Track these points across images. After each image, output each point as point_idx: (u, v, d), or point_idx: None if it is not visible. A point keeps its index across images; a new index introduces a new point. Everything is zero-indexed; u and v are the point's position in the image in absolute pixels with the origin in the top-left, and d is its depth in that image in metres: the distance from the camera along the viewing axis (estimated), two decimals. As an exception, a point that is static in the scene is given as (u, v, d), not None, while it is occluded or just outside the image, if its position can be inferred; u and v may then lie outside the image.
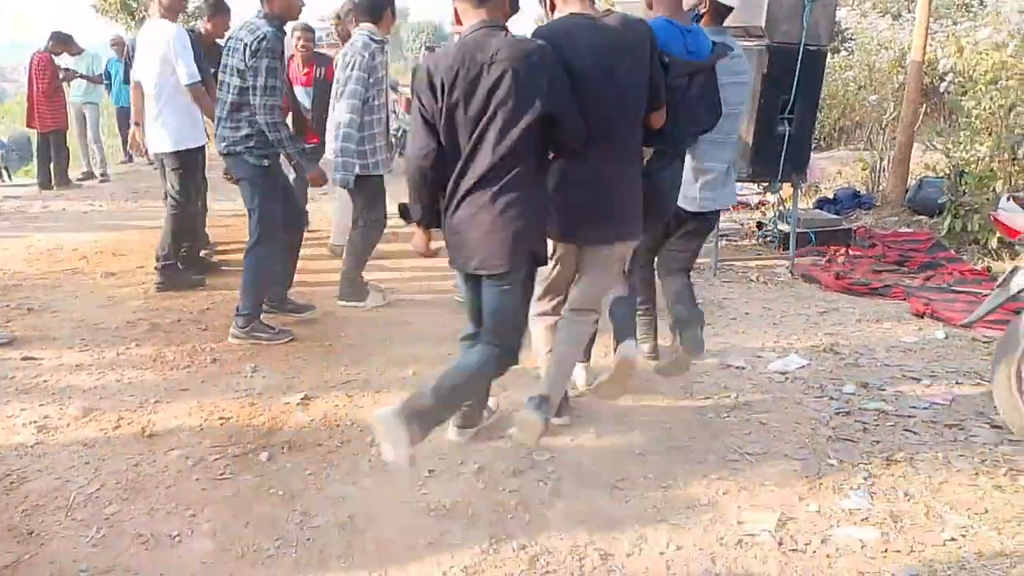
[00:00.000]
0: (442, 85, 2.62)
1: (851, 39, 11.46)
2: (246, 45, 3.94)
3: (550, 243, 3.01)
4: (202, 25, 5.57)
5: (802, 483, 2.97)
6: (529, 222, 2.72)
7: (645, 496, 2.88)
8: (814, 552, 2.56)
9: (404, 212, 2.93)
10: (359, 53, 4.49)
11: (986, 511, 2.78)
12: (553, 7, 2.94)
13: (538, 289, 3.11)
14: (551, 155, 2.87)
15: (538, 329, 3.29)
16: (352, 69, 4.48)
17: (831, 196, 7.74)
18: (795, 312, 5.01)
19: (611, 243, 3.01)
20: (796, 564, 2.50)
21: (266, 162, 4.17)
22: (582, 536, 2.64)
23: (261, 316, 4.34)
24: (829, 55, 10.46)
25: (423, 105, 2.70)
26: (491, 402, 3.41)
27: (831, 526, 2.69)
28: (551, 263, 3.10)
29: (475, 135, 2.64)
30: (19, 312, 4.74)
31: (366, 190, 4.74)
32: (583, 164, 2.86)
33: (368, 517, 2.74)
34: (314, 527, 2.68)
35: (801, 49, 5.53)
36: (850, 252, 6.29)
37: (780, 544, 2.60)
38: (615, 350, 3.24)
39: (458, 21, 2.80)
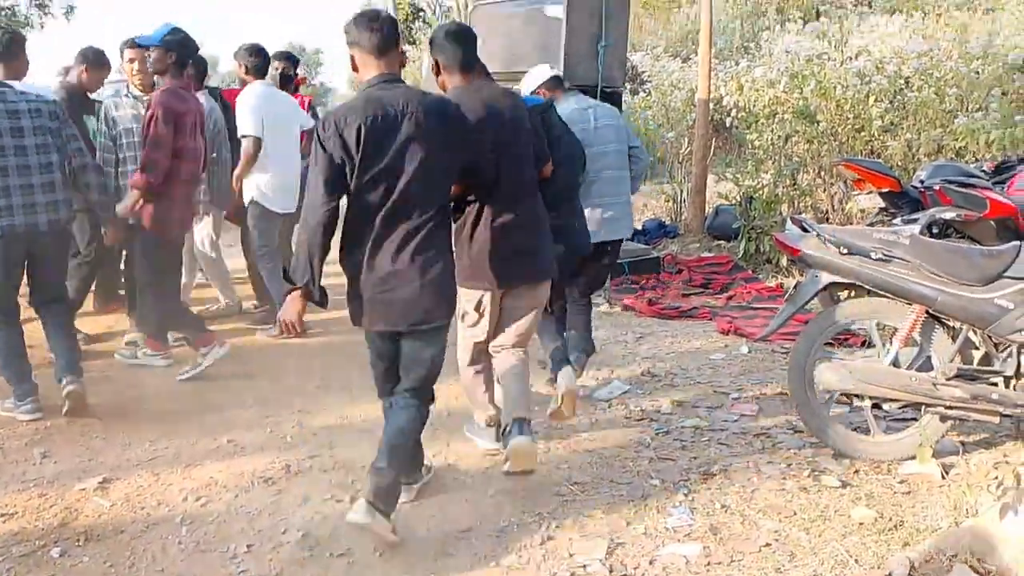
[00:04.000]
0: (357, 139, 2.60)
1: (648, 81, 12.23)
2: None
3: (471, 294, 3.20)
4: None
5: (628, 507, 3.03)
6: (450, 271, 2.86)
7: (476, 543, 2.82)
8: (643, 575, 2.60)
9: (287, 277, 2.87)
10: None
11: (795, 513, 2.95)
12: (438, 74, 3.19)
13: (466, 343, 3.35)
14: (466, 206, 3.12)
15: (471, 379, 3.43)
16: None
17: (640, 227, 8.15)
18: (614, 340, 5.18)
19: (540, 281, 3.32)
20: (627, 590, 2.54)
21: None
22: (414, 592, 2.55)
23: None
24: (630, 96, 11.13)
25: (328, 156, 2.63)
26: (427, 459, 3.27)
27: (657, 546, 2.75)
28: (474, 315, 3.25)
29: (397, 189, 2.67)
30: None
31: None
32: (506, 213, 3.13)
33: (179, 605, 2.50)
34: (116, 625, 2.42)
35: (599, 91, 5.82)
36: (660, 279, 6.63)
37: (611, 571, 2.62)
38: (554, 379, 3.74)
39: (355, 68, 2.81)
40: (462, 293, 3.13)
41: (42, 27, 18.03)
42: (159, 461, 3.50)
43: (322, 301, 2.77)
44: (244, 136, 4.97)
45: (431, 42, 3.23)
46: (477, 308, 3.23)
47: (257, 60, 5.06)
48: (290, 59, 5.68)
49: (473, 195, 3.10)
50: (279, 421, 3.92)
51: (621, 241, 4.48)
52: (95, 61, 5.13)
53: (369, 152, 2.62)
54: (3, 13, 17.37)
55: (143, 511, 3.08)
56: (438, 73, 3.20)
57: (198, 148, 4.47)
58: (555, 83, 4.28)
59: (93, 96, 5.35)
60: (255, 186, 5.08)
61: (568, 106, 4.21)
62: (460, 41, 3.19)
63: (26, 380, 3.93)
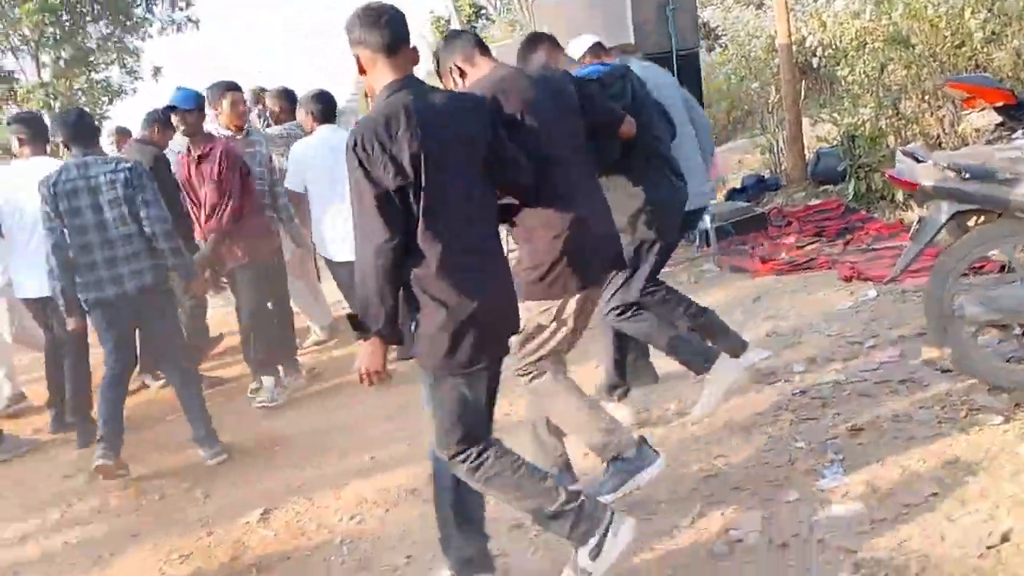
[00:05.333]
0: (413, 154, 2.23)
1: (723, 35, 11.88)
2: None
3: (543, 305, 2.75)
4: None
5: (777, 474, 2.95)
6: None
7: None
8: (804, 541, 2.53)
9: (357, 324, 2.36)
10: None
11: (957, 458, 2.79)
12: (464, 75, 2.85)
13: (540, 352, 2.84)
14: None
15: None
16: None
17: (739, 185, 7.92)
18: (730, 304, 5.04)
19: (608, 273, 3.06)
20: (789, 558, 2.47)
21: None
22: None
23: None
24: (707, 53, 10.84)
25: (375, 182, 2.23)
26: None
27: (814, 510, 2.67)
28: (552, 324, 2.78)
29: (466, 200, 2.37)
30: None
31: None
32: (571, 206, 2.70)
33: (353, 622, 2.60)
34: (299, 647, 2.54)
35: (674, 55, 5.70)
36: (769, 235, 6.42)
37: (770, 542, 2.56)
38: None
39: (362, 71, 2.43)
40: (534, 307, 2.76)
41: (134, 92, 19.10)
42: (310, 486, 3.65)
43: (402, 339, 2.40)
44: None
45: (436, 55, 2.95)
46: (559, 317, 2.78)
47: (322, 106, 5.09)
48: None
49: (524, 195, 2.68)
50: (414, 432, 4.00)
51: (700, 211, 4.08)
52: (165, 121, 5.38)
53: (429, 165, 2.25)
54: (99, 85, 18.51)
55: (304, 536, 3.22)
56: (463, 76, 2.85)
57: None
58: (598, 50, 3.95)
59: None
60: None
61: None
62: (460, 32, 3.12)
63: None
